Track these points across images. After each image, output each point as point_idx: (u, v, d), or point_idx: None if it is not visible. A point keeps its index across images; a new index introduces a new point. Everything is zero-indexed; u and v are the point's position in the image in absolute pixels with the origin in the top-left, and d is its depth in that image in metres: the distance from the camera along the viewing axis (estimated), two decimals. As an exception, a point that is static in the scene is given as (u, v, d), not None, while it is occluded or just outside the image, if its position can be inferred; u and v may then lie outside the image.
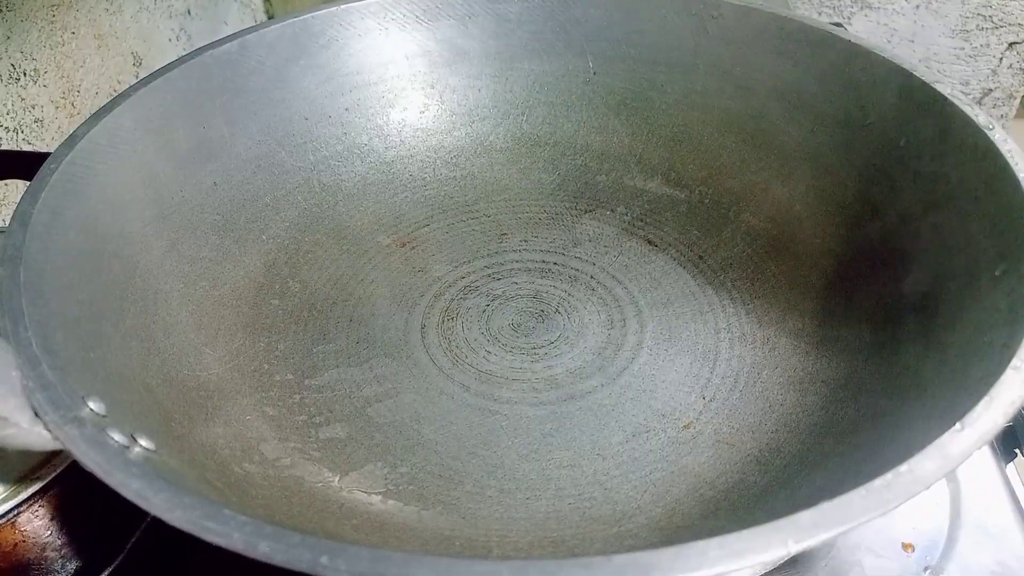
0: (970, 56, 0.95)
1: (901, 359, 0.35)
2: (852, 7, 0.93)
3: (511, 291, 0.45)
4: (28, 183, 0.33)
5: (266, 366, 0.40)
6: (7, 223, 0.31)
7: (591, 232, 0.48)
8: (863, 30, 0.95)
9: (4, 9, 0.52)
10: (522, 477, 0.35)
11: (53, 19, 0.58)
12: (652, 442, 0.37)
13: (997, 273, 0.31)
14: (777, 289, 0.43)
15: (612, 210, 0.50)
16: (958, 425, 0.24)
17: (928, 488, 0.22)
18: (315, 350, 0.41)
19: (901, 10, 0.92)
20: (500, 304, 0.44)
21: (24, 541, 0.33)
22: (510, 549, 0.32)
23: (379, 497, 0.34)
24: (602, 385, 0.39)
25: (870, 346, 0.38)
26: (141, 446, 0.27)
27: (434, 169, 0.52)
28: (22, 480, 0.32)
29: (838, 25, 0.48)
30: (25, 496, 0.32)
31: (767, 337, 0.41)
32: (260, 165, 0.46)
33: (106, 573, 0.36)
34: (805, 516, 0.21)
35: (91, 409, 0.25)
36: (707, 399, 0.38)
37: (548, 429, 0.37)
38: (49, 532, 0.33)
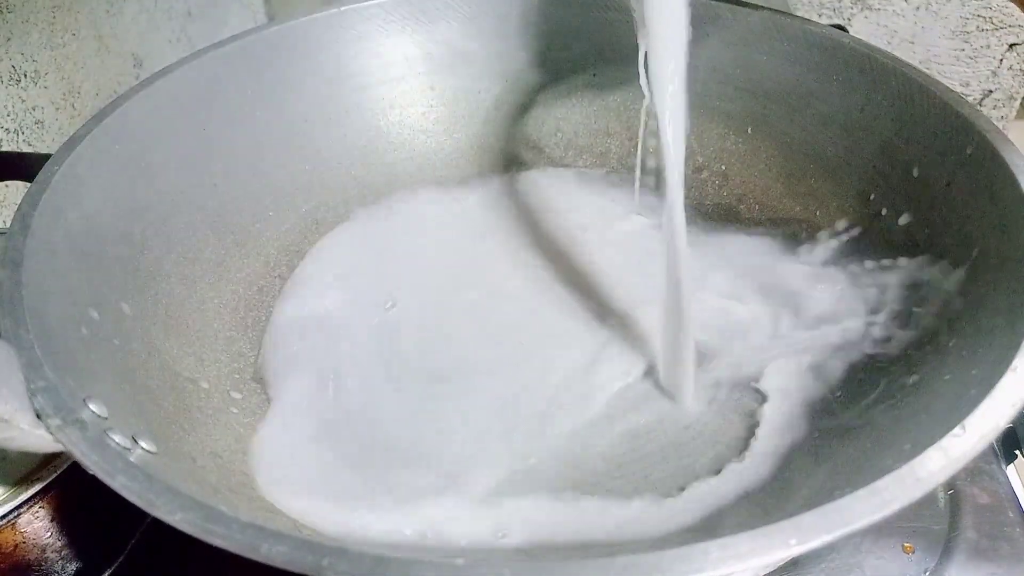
0: (970, 57, 0.95)
1: (901, 360, 0.35)
2: (852, 8, 0.93)
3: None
4: (29, 185, 0.33)
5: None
6: (8, 225, 0.31)
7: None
8: (863, 32, 0.95)
9: (4, 11, 0.52)
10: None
11: (53, 21, 0.58)
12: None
13: (999, 275, 0.31)
14: (777, 290, 0.43)
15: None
16: (959, 428, 0.24)
17: (930, 490, 0.22)
18: (316, 352, 0.41)
19: (901, 11, 0.92)
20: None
21: (24, 542, 0.33)
22: (512, 552, 0.32)
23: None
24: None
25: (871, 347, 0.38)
26: (142, 448, 0.27)
27: (434, 171, 0.52)
28: (23, 481, 0.32)
29: (839, 27, 0.48)
30: (26, 497, 0.32)
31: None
32: (260, 167, 0.46)
33: (107, 574, 0.36)
34: (807, 518, 0.21)
35: (92, 411, 0.25)
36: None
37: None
38: (49, 533, 0.33)
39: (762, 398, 0.37)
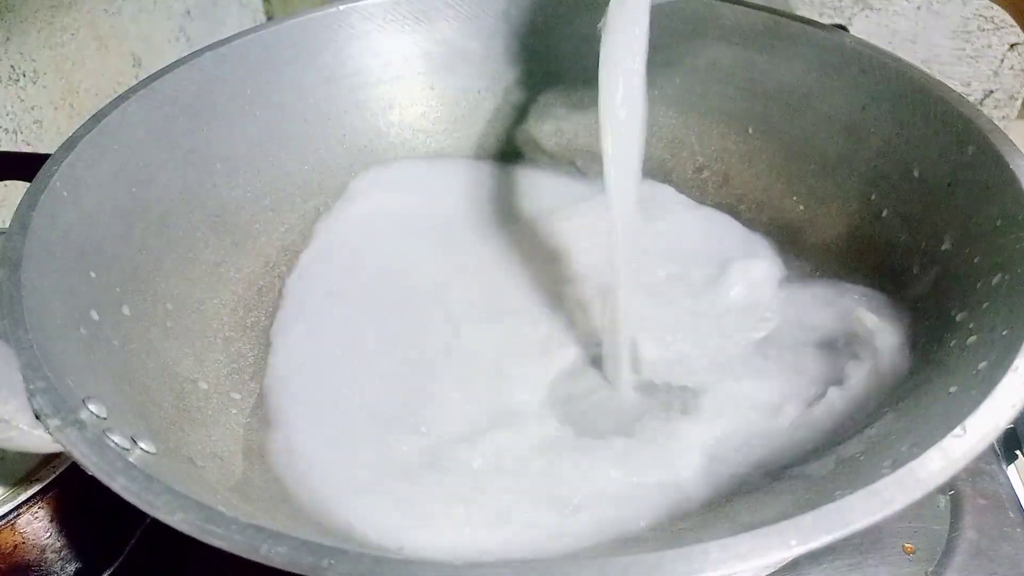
0: (971, 57, 0.94)
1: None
2: (853, 8, 0.93)
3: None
4: (28, 184, 0.33)
5: (266, 368, 0.40)
6: (7, 225, 0.31)
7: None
8: (864, 31, 0.95)
9: (4, 10, 0.52)
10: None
11: (52, 20, 0.58)
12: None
13: (1000, 276, 0.31)
14: (778, 290, 0.43)
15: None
16: (959, 428, 0.24)
17: (930, 490, 0.22)
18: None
19: (902, 11, 0.92)
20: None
21: (24, 543, 0.33)
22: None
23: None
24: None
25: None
26: (142, 448, 0.27)
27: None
28: (22, 482, 0.32)
29: (840, 27, 0.48)
30: (25, 498, 0.32)
31: (768, 339, 0.41)
32: (259, 167, 0.46)
33: (106, 574, 0.36)
34: (807, 518, 0.21)
35: (92, 412, 0.25)
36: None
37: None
38: (49, 534, 0.33)
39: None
